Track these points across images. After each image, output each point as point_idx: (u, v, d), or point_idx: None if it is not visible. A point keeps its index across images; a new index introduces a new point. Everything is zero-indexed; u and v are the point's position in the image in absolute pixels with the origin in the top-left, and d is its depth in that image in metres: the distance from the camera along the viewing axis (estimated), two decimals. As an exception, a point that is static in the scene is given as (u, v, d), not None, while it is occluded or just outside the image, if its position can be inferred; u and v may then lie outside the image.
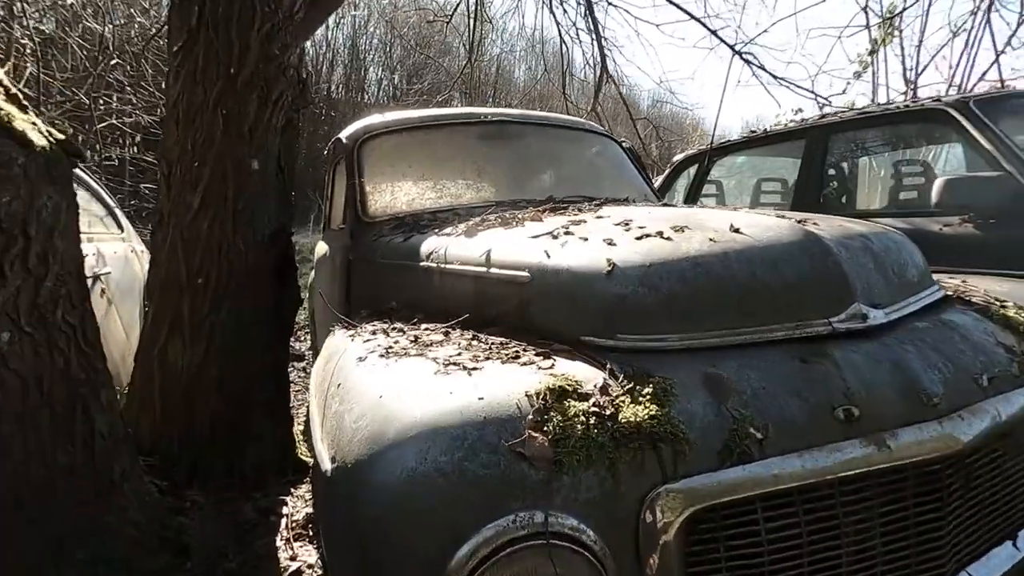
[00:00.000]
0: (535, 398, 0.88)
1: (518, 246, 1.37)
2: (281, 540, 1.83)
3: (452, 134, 2.68)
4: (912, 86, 5.37)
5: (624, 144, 3.12)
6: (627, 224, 1.36)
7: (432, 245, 1.70)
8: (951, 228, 2.37)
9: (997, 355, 1.12)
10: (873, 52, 5.07)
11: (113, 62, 5.22)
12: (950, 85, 5.45)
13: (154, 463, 1.96)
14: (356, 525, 0.83)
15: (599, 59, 4.74)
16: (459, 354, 1.08)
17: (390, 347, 1.21)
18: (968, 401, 1.00)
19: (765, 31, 3.98)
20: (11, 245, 1.25)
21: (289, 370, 2.56)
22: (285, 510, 2.00)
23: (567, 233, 1.36)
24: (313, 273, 3.64)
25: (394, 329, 1.42)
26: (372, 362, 1.13)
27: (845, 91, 5.05)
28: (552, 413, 0.85)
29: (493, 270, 1.36)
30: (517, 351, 1.08)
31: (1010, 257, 2.15)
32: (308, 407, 3.60)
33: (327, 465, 0.93)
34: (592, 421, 0.85)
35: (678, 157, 4.20)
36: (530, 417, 0.85)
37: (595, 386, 0.92)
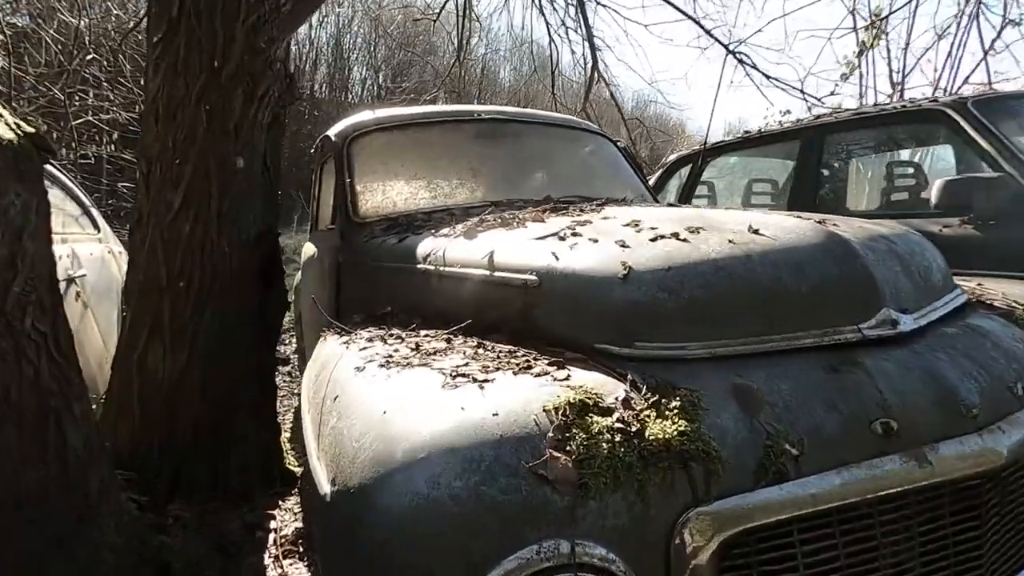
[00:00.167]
0: (554, 413, 0.81)
1: (522, 248, 1.30)
2: (269, 558, 1.74)
3: (445, 132, 2.60)
4: (899, 88, 5.41)
5: (619, 143, 3.07)
6: (636, 225, 1.30)
7: (429, 246, 1.63)
8: (951, 229, 2.35)
9: (1028, 362, 1.07)
10: (861, 54, 5.09)
11: (89, 57, 5.05)
12: (935, 88, 5.50)
13: (133, 477, 1.86)
14: (359, 554, 0.76)
15: (590, 59, 4.69)
16: (466, 364, 1.01)
17: (390, 356, 1.13)
18: (1005, 411, 0.95)
19: (759, 31, 3.95)
20: (-26, 247, 1.16)
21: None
22: (273, 524, 1.90)
23: (574, 234, 1.30)
24: (299, 274, 3.54)
25: (392, 335, 1.35)
26: (372, 373, 1.05)
27: (834, 92, 5.06)
28: (574, 430, 0.78)
29: (496, 273, 1.29)
30: (528, 360, 1.01)
31: (1010, 259, 2.13)
32: (296, 414, 3.50)
33: (326, 487, 0.85)
34: (618, 439, 0.78)
35: (671, 157, 4.16)
36: (550, 435, 0.78)
37: (617, 399, 0.85)
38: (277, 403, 2.46)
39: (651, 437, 0.79)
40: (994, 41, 5.04)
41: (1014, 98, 2.61)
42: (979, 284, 1.43)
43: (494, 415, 0.80)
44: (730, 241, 1.07)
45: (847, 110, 3.21)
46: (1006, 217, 2.23)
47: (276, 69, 2.24)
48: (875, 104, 4.14)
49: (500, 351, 1.09)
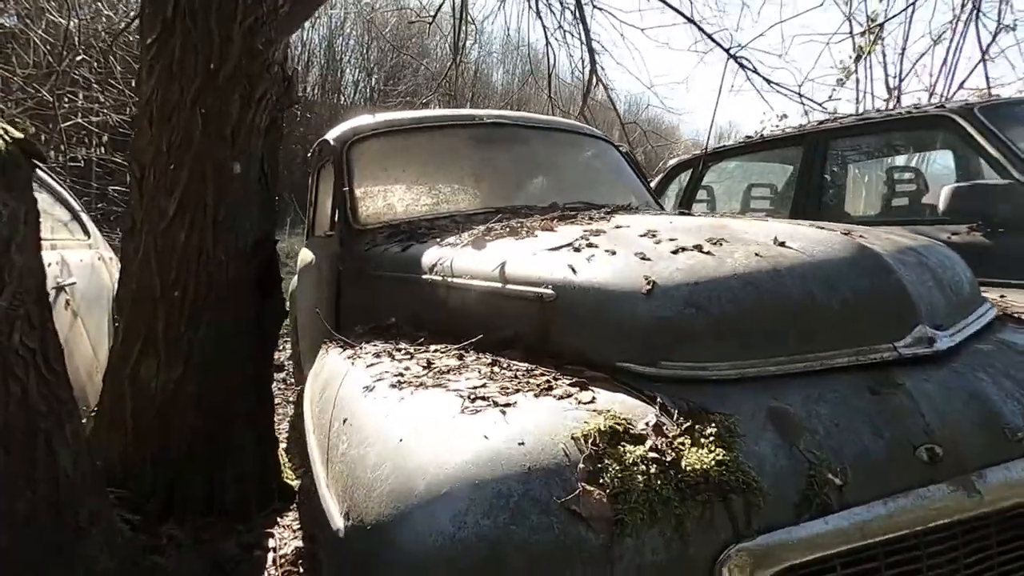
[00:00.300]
0: (583, 441, 0.76)
1: (536, 259, 1.25)
2: (268, 579, 1.67)
3: (446, 137, 2.55)
4: (896, 93, 5.41)
5: (621, 148, 3.03)
6: (654, 236, 1.25)
7: (435, 256, 1.57)
8: (959, 237, 2.32)
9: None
10: (859, 59, 5.09)
11: (79, 58, 4.95)
12: (931, 93, 5.51)
13: (125, 495, 1.79)
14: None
15: (588, 62, 4.66)
16: (483, 385, 0.95)
17: (401, 375, 1.07)
18: (1049, 434, 0.91)
19: (762, 35, 3.92)
20: (-41, 260, 1.09)
21: (270, 385, 2.40)
22: (271, 543, 1.84)
23: (589, 245, 1.25)
24: (294, 280, 3.47)
25: (400, 350, 1.29)
26: (383, 393, 0.99)
27: (831, 97, 5.05)
28: (606, 460, 0.73)
29: (509, 286, 1.23)
30: (548, 381, 0.96)
31: (1020, 267, 2.11)
32: (292, 424, 3.43)
33: (339, 520, 0.79)
34: (653, 470, 0.73)
35: (671, 162, 4.13)
36: (581, 466, 0.73)
37: (647, 424, 0.81)
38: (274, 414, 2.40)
39: (688, 467, 0.74)
40: (989, 46, 5.04)
41: (1020, 104, 2.59)
42: (1002, 296, 1.40)
43: (520, 444, 0.75)
44: (757, 254, 1.02)
45: (851, 115, 3.19)
46: (1016, 224, 2.20)
47: (274, 72, 2.18)
48: (880, 109, 4.13)
49: (517, 369, 1.04)
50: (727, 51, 3.41)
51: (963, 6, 5.09)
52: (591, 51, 4.40)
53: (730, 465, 0.74)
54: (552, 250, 1.27)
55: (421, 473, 0.73)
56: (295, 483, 2.39)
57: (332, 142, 2.47)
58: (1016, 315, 1.23)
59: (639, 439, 0.78)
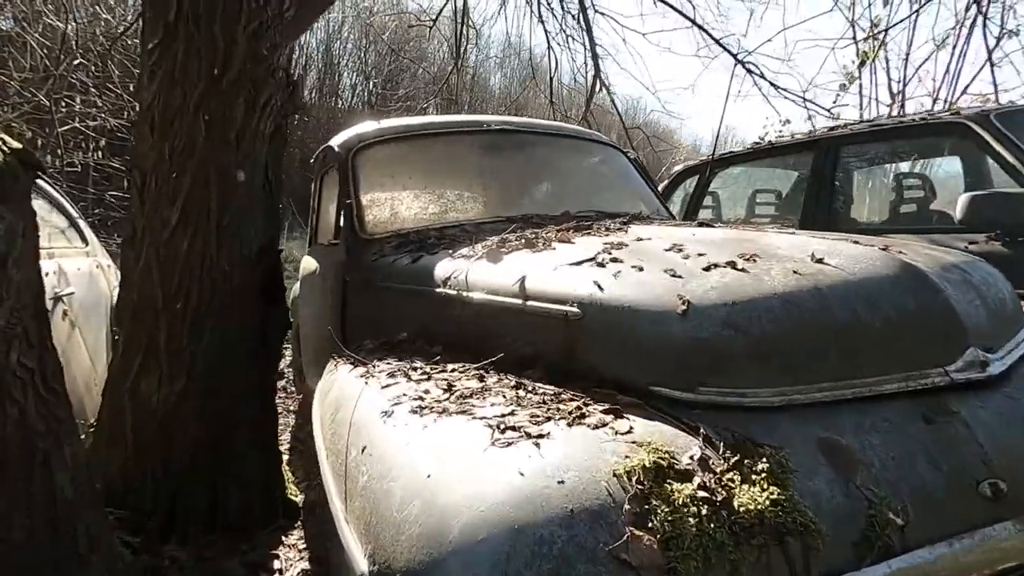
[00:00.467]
0: (627, 479, 0.71)
1: (559, 274, 1.20)
2: (274, 603, 1.61)
3: (453, 143, 2.50)
4: (900, 98, 5.39)
5: (629, 154, 2.99)
6: (680, 250, 1.20)
7: (448, 268, 1.52)
8: (977, 246, 2.28)
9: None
10: (863, 65, 5.06)
11: (76, 62, 4.89)
12: (935, 99, 5.49)
13: (125, 515, 1.72)
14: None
15: (591, 67, 4.62)
16: (511, 412, 0.90)
17: (420, 398, 1.02)
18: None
19: (769, 40, 3.91)
20: (-47, 277, 1.03)
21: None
22: (276, 564, 1.78)
23: (614, 260, 1.20)
24: (296, 286, 3.41)
25: (415, 369, 1.24)
26: (403, 420, 0.94)
27: (836, 101, 5.02)
28: (654, 501, 0.68)
29: (531, 302, 1.18)
30: (580, 407, 0.91)
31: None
32: (294, 435, 3.37)
33: (362, 564, 0.74)
34: (704, 511, 0.68)
35: (677, 168, 4.09)
36: (627, 507, 0.67)
37: (692, 458, 0.75)
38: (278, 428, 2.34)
39: (741, 508, 0.69)
40: (992, 51, 5.03)
41: (1037, 111, 2.55)
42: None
43: (559, 483, 0.70)
44: (795, 272, 0.97)
45: (863, 121, 3.15)
46: (1036, 234, 2.16)
47: (278, 77, 2.13)
48: (892, 116, 4.10)
49: (544, 393, 0.99)
50: (735, 56, 3.37)
51: (967, 9, 5.08)
52: (595, 56, 4.36)
53: (786, 505, 0.69)
54: (574, 265, 1.22)
55: (454, 515, 0.67)
56: (299, 498, 2.33)
57: (337, 149, 2.41)
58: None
59: (685, 475, 0.72)
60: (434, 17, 6.19)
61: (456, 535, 0.65)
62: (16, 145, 1.16)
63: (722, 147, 3.95)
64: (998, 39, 4.92)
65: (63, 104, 4.94)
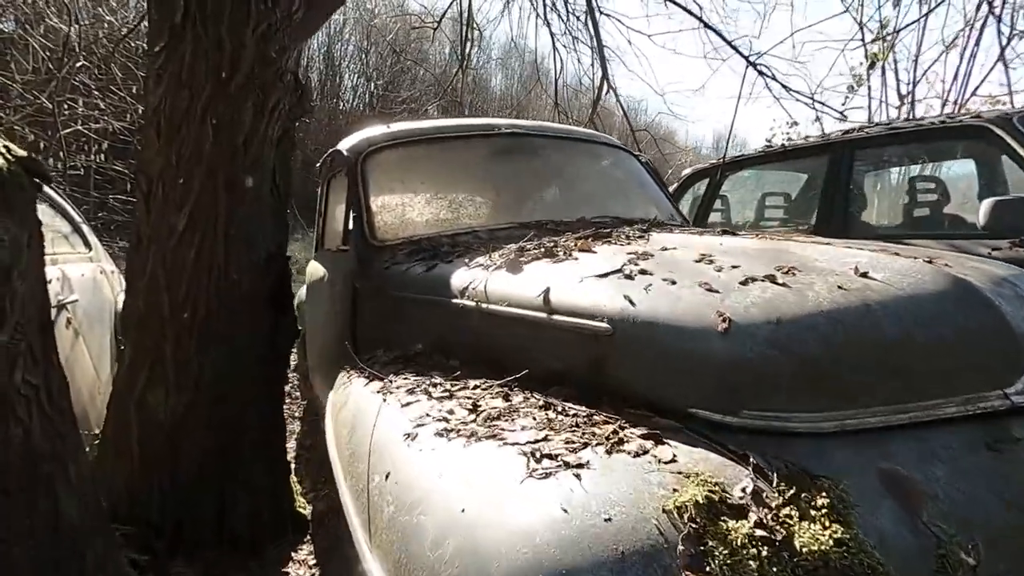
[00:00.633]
0: (677, 515, 0.66)
1: (585, 287, 1.15)
2: (285, 623, 1.56)
3: (464, 147, 2.45)
4: (908, 99, 5.34)
5: (641, 158, 2.94)
6: (710, 261, 1.16)
7: (465, 278, 1.47)
8: (1000, 252, 2.23)
9: None
10: (872, 66, 5.01)
11: (79, 64, 4.85)
12: (945, 101, 5.44)
13: (131, 532, 1.68)
14: None
15: (599, 68, 4.57)
16: (544, 437, 0.85)
17: (445, 419, 0.97)
18: None
19: (782, 42, 3.85)
20: (-45, 292, 0.99)
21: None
22: (287, 582, 1.73)
23: (642, 272, 1.15)
24: (303, 290, 3.36)
25: (435, 386, 1.19)
26: (428, 444, 0.89)
27: (845, 103, 4.97)
28: (709, 542, 0.63)
29: (556, 316, 1.13)
30: (616, 431, 0.86)
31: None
32: (300, 443, 3.31)
33: (391, 605, 0.69)
34: (764, 552, 0.63)
35: (687, 171, 4.04)
36: (681, 548, 0.62)
37: (745, 491, 0.70)
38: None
39: (803, 549, 0.64)
40: (1003, 52, 4.98)
41: (1058, 114, 2.50)
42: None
43: (606, 520, 0.65)
44: (840, 287, 0.92)
45: (880, 124, 3.10)
46: (1062, 240, 2.11)
47: (287, 80, 2.08)
48: (906, 118, 4.04)
49: (576, 414, 0.94)
50: (747, 59, 3.33)
51: (977, 9, 5.03)
52: (603, 58, 4.32)
53: (851, 545, 0.64)
54: (601, 277, 1.17)
55: (495, 557, 0.62)
56: (307, 509, 2.28)
57: (346, 153, 2.36)
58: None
59: (740, 512, 0.67)
60: (438, 19, 6.15)
61: (498, 580, 0.60)
62: (21, 153, 1.11)
63: (724, 149, 3.90)
64: (1008, 39, 4.88)
65: (66, 106, 4.90)
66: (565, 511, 0.66)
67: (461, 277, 1.49)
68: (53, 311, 2.03)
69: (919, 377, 0.84)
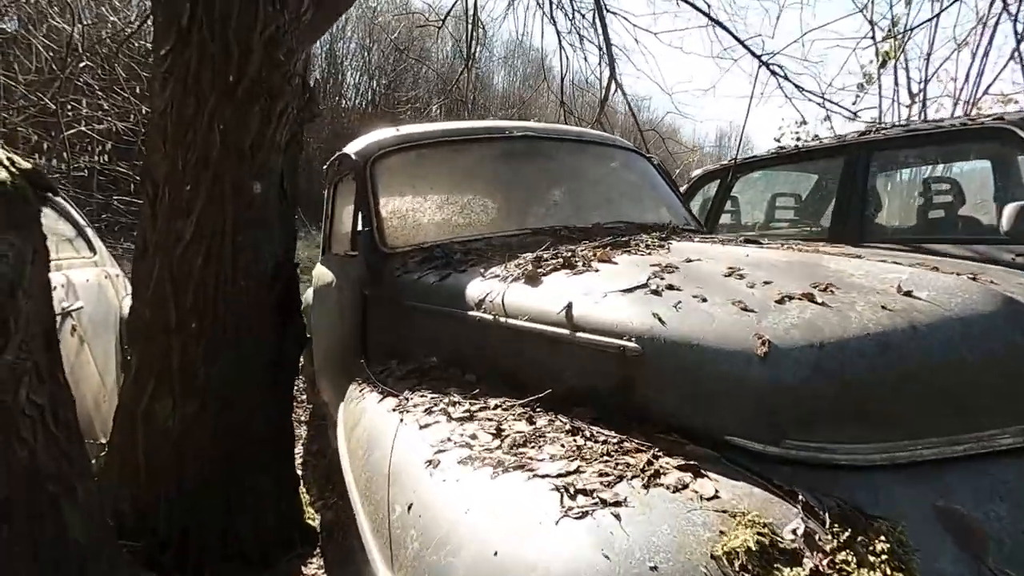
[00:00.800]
0: (727, 561, 0.61)
1: (610, 303, 1.10)
2: (297, 642, 1.53)
3: (474, 151, 2.40)
4: (920, 98, 5.27)
5: (653, 160, 2.89)
6: (740, 276, 1.11)
7: (481, 289, 1.43)
8: (1024, 258, 2.18)
9: None
10: (884, 65, 4.95)
11: (82, 64, 4.81)
12: (957, 100, 5.37)
13: (137, 547, 1.64)
14: None
15: (607, 66, 4.52)
16: (577, 469, 0.81)
17: (468, 445, 0.93)
18: None
19: (796, 41, 3.78)
20: (-43, 311, 0.95)
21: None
22: (297, 598, 1.70)
23: (670, 288, 1.10)
24: (309, 293, 3.32)
25: (454, 404, 1.15)
26: (453, 473, 0.85)
27: (856, 103, 4.91)
28: (763, 592, 0.59)
29: (580, 334, 1.09)
30: (651, 461, 0.81)
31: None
32: (306, 449, 3.27)
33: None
34: (823, 604, 0.59)
35: (697, 172, 3.99)
36: (734, 600, 0.58)
37: (796, 533, 0.66)
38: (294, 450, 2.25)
39: (865, 600, 0.59)
40: (1017, 49, 4.91)
41: (1083, 115, 2.44)
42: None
43: (652, 569, 0.60)
44: (884, 307, 0.88)
45: (896, 125, 3.04)
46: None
47: (295, 84, 2.04)
48: (922, 118, 3.98)
49: (606, 441, 0.90)
50: (759, 58, 3.27)
51: (991, 6, 4.96)
52: (611, 57, 4.26)
53: (915, 595, 0.60)
54: (626, 292, 1.12)
55: (534, 610, 0.58)
56: (315, 520, 2.24)
57: (354, 157, 2.32)
58: None
59: (794, 558, 0.63)
60: (442, 17, 6.10)
61: (539, 637, 0.56)
62: (25, 165, 1.07)
63: (728, 149, 3.86)
64: (1019, 38, 4.81)
65: (69, 107, 4.86)
66: (607, 557, 0.62)
67: (477, 288, 1.45)
68: (58, 319, 2.00)
69: (973, 405, 0.79)
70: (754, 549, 0.62)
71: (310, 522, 2.14)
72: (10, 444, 1.05)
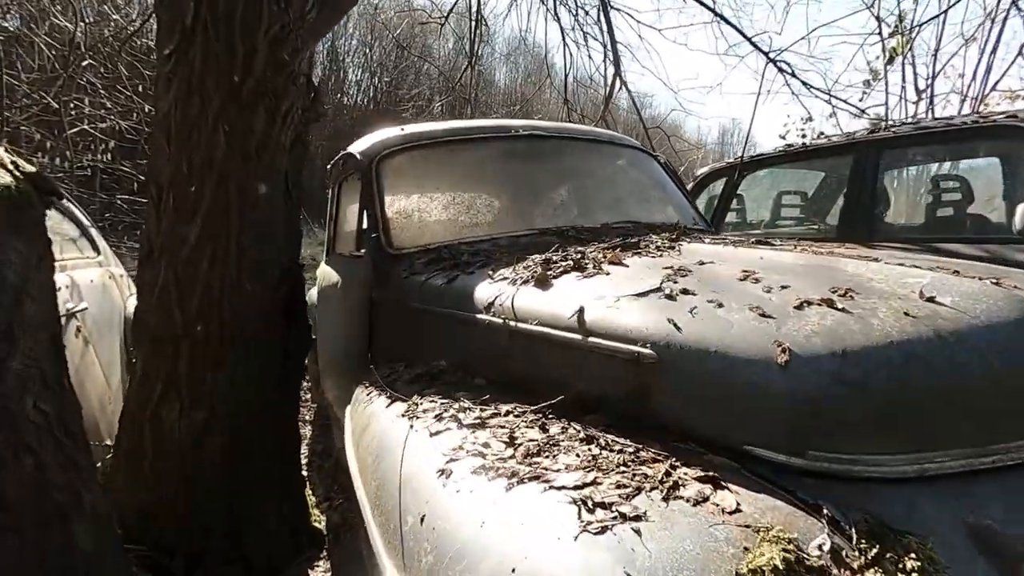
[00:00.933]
0: (753, 581, 0.60)
1: (623, 308, 1.08)
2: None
3: (481, 150, 2.38)
4: (928, 94, 5.23)
5: (660, 159, 2.87)
6: (756, 280, 1.09)
7: (490, 292, 1.41)
8: (1037, 258, 2.15)
9: None
10: (891, 61, 4.90)
11: (85, 63, 4.80)
12: (964, 96, 5.32)
13: (144, 552, 1.63)
14: None
15: (612, 63, 4.49)
16: (593, 480, 0.79)
17: (481, 454, 0.91)
18: None
19: (804, 38, 3.75)
20: (-38, 318, 0.93)
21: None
22: (305, 603, 1.69)
23: (684, 292, 1.08)
24: (313, 293, 3.31)
25: (464, 411, 1.13)
26: (467, 484, 0.83)
27: (862, 99, 4.86)
28: (792, 614, 0.57)
29: (593, 339, 1.07)
30: (669, 472, 0.80)
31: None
32: (311, 450, 3.27)
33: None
34: (854, 626, 0.57)
35: (703, 170, 3.96)
36: (762, 622, 0.56)
37: (822, 549, 0.64)
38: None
39: (896, 621, 0.58)
40: (1023, 48, 4.87)
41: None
42: None
43: (676, 588, 0.59)
44: (907, 314, 0.86)
45: (905, 123, 3.01)
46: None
47: (300, 84, 2.02)
48: (929, 115, 3.95)
49: (622, 450, 0.88)
50: (766, 55, 3.24)
51: (999, 1, 4.92)
52: (616, 54, 4.23)
53: (947, 616, 0.58)
54: (639, 296, 1.11)
55: (556, 632, 0.56)
56: (321, 522, 2.23)
57: (359, 156, 2.30)
58: None
59: (821, 575, 0.61)
60: (445, 14, 6.06)
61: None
62: (30, 169, 1.06)
63: (731, 146, 3.83)
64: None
65: (72, 106, 4.85)
66: (629, 575, 0.60)
67: (485, 291, 1.43)
68: (63, 320, 1.98)
69: (1002, 415, 0.77)
70: (780, 567, 0.60)
71: (316, 524, 2.13)
72: (15, 453, 1.04)
